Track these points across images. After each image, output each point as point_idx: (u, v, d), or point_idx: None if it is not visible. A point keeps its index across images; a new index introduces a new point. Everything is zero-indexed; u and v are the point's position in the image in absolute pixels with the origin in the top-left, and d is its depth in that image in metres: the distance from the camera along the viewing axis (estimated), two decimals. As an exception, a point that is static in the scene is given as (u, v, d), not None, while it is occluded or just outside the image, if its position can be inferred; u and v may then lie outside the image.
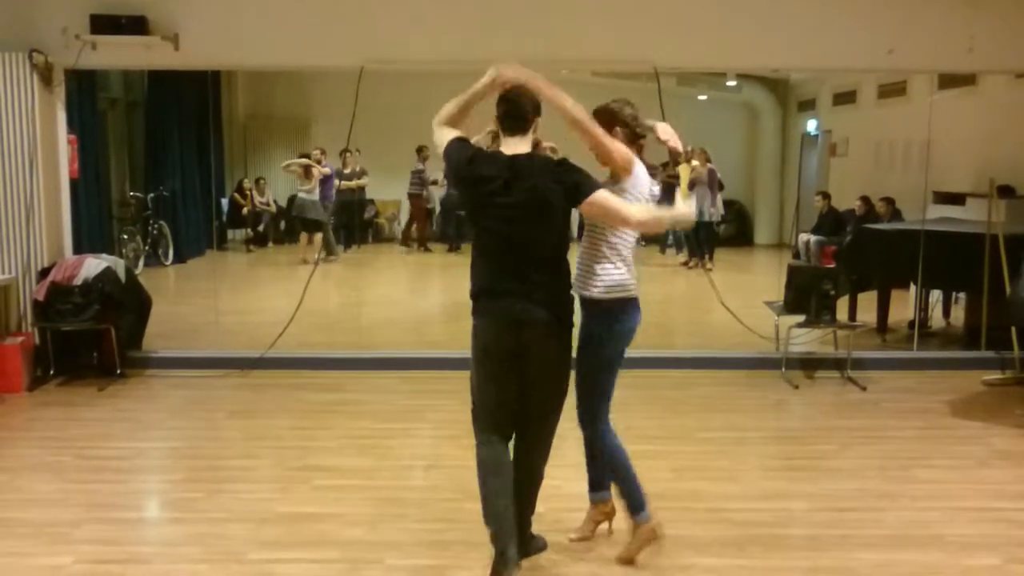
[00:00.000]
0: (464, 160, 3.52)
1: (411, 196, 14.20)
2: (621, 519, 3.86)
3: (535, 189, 3.41)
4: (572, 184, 3.43)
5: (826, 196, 11.51)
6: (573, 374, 3.67)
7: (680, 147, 3.78)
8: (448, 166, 3.60)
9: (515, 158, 3.49)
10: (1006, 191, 8.29)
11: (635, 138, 3.76)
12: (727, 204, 13.39)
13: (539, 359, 3.52)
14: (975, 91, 9.51)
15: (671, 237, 13.37)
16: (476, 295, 3.56)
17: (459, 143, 3.58)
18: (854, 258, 8.28)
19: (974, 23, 6.83)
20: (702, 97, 14.49)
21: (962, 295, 8.49)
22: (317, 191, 12.39)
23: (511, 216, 3.43)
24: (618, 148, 3.59)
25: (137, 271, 9.08)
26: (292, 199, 13.27)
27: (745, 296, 8.32)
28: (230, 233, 13.85)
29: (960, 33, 6.84)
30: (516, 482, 3.55)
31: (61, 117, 6.97)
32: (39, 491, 4.63)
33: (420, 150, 13.97)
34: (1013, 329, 6.94)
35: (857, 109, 12.77)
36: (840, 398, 6.49)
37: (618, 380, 3.78)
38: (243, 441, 5.44)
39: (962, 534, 4.13)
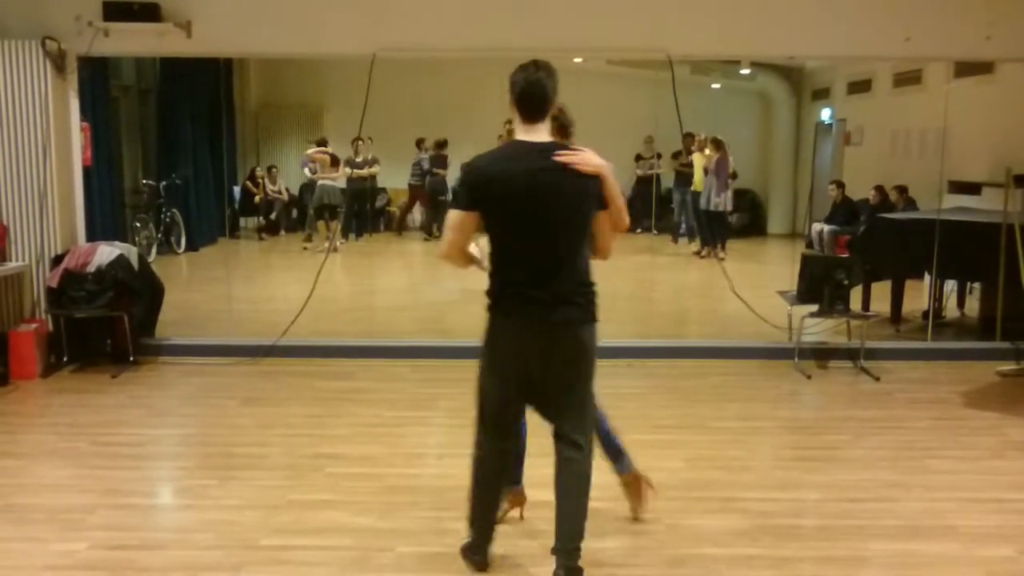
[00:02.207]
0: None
1: (411, 186, 14.27)
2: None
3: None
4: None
5: (840, 185, 11.44)
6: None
7: None
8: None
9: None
10: (1023, 180, 8.21)
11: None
12: (740, 193, 13.32)
13: None
14: (992, 79, 9.41)
15: (684, 226, 13.33)
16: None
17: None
18: (868, 248, 8.23)
19: (992, 10, 6.76)
20: (716, 85, 14.41)
21: (977, 285, 8.43)
22: (341, 179, 12.64)
23: None
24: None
25: (150, 259, 9.11)
26: (307, 186, 13.27)
27: (758, 286, 8.30)
28: (242, 221, 13.89)
29: (978, 20, 6.78)
30: None
31: (74, 104, 6.98)
32: (53, 477, 4.66)
33: (420, 142, 14.00)
34: (1029, 320, 6.91)
35: (872, 98, 12.68)
36: (853, 388, 6.47)
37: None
38: (255, 429, 5.46)
39: (976, 525, 4.11)
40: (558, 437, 3.45)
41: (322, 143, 12.81)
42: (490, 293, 3.37)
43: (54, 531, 3.97)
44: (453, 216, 3.33)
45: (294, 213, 14.34)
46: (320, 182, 12.58)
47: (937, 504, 4.35)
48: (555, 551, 3.42)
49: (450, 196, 11.42)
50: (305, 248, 12.49)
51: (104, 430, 5.39)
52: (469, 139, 14.03)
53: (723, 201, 12.15)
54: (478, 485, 3.55)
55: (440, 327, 8.38)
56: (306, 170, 12.75)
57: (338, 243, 12.29)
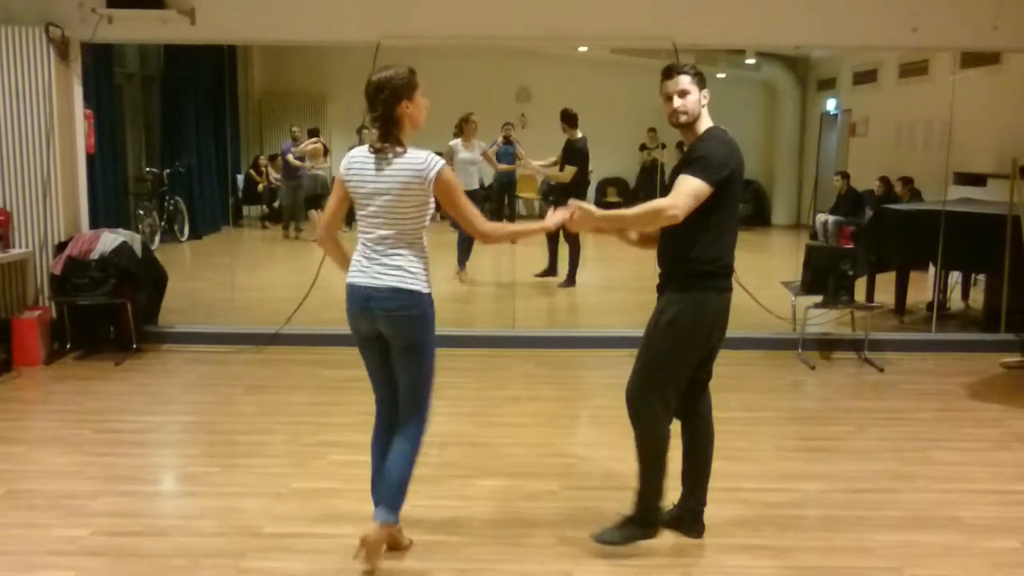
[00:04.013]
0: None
1: None
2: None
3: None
4: None
5: (845, 176, 11.42)
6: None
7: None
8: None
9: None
10: (1029, 172, 8.18)
11: None
12: (744, 184, 13.28)
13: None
14: (998, 70, 9.37)
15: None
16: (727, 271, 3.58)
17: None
18: (872, 239, 8.22)
19: (999, 0, 6.72)
20: (720, 75, 14.36)
21: (981, 277, 8.41)
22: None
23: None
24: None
25: (153, 247, 9.11)
26: (289, 175, 13.16)
27: (762, 276, 8.27)
28: (245, 209, 13.87)
29: (985, 10, 6.75)
30: None
31: (78, 92, 6.96)
32: (56, 463, 4.67)
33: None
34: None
35: (878, 88, 12.64)
36: (857, 379, 6.46)
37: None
38: (258, 416, 5.46)
39: (980, 516, 4.10)
40: (698, 390, 3.70)
41: (314, 132, 12.82)
42: (711, 271, 3.55)
43: (57, 517, 3.98)
44: (701, 188, 3.46)
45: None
46: (313, 171, 12.61)
47: (941, 495, 4.34)
48: (697, 507, 3.78)
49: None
50: (297, 238, 12.55)
51: (107, 417, 5.40)
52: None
53: None
54: (664, 451, 3.62)
55: (440, 317, 8.33)
56: (290, 156, 12.73)
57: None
